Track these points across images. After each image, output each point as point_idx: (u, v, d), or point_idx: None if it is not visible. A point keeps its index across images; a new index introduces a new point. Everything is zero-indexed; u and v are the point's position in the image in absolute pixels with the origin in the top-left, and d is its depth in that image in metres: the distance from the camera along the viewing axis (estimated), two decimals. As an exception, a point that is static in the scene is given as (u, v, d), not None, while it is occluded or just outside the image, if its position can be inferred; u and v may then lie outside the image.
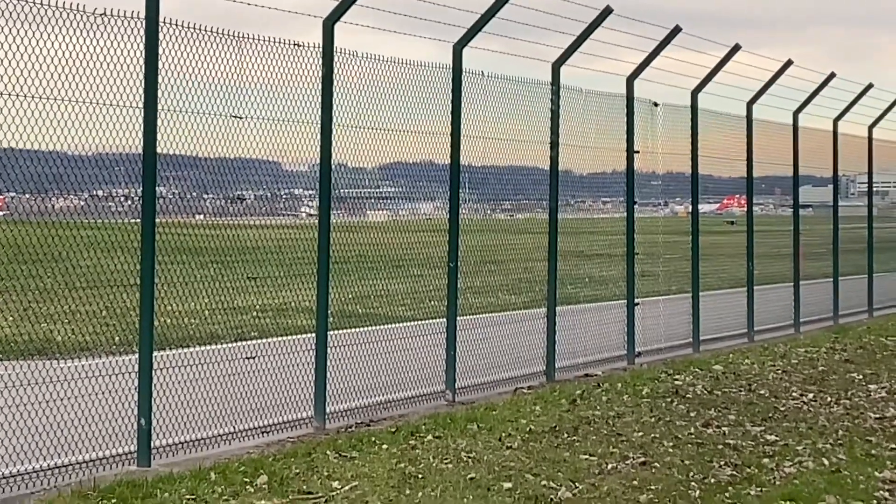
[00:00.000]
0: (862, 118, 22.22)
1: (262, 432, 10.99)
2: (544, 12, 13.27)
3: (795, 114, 19.51)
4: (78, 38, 9.41)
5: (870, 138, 22.85)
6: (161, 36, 9.65)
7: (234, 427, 10.96)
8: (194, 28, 10.25)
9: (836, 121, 21.17)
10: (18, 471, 8.43)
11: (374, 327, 13.49)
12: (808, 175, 21.67)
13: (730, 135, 18.56)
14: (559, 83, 13.96)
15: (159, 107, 9.92)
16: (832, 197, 21.86)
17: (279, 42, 11.11)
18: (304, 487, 8.91)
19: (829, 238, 21.51)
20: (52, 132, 9.55)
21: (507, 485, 9.06)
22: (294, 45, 11.78)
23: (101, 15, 9.42)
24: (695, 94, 16.69)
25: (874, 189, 24.68)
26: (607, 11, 13.68)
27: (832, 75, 19.16)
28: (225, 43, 10.86)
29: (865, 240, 23.11)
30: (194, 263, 11.07)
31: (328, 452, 9.96)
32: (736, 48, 16.44)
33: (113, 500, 7.95)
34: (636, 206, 15.93)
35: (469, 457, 9.99)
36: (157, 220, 9.81)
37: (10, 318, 11.35)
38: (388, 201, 14.54)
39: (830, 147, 21.54)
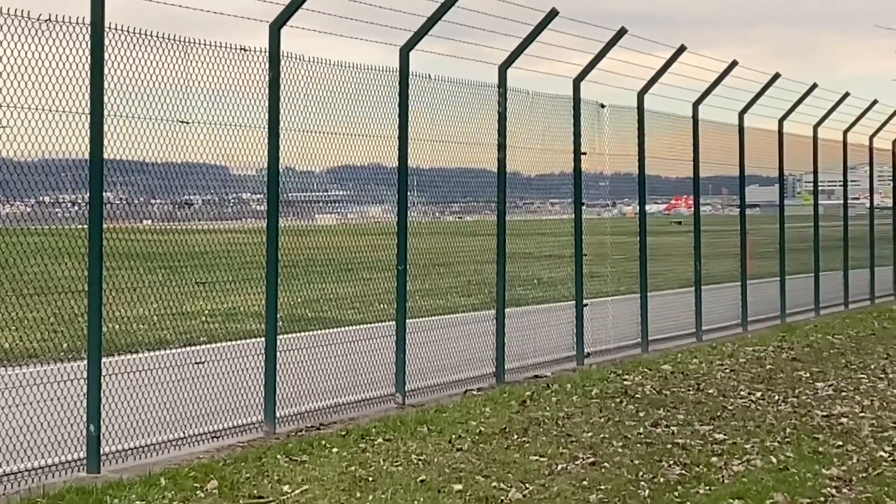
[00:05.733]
0: (807, 118, 22.42)
1: (213, 437, 10.98)
2: (491, 15, 13.25)
3: (741, 114, 19.71)
4: (23, 44, 9.42)
5: (815, 138, 23.01)
6: (106, 41, 9.56)
7: (183, 432, 10.93)
8: (139, 33, 10.16)
9: (781, 121, 21.39)
10: (-34, 479, 8.50)
11: (323, 331, 13.46)
12: (755, 175, 21.86)
13: (676, 135, 18.66)
14: (506, 85, 13.97)
15: (106, 112, 9.85)
16: (778, 196, 22.02)
17: (226, 47, 11.05)
18: (255, 492, 8.92)
19: (776, 237, 21.59)
20: None
21: (458, 486, 9.10)
22: (241, 49, 11.71)
23: (45, 21, 9.34)
24: (641, 95, 16.78)
25: (820, 188, 24.80)
26: (553, 14, 13.75)
27: (777, 76, 19.39)
28: (171, 48, 10.83)
29: (812, 238, 23.15)
30: (142, 269, 11.05)
31: (278, 456, 9.98)
32: (681, 49, 16.56)
33: (63, 507, 8.12)
34: (584, 208, 15.90)
35: (419, 459, 10.03)
36: (105, 226, 9.73)
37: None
38: (337, 205, 14.53)
39: (776, 147, 21.73)
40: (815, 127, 22.89)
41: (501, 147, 13.97)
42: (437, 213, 15.46)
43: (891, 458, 10.54)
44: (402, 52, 12.29)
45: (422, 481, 9.21)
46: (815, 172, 24.11)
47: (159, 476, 9.29)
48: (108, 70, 9.93)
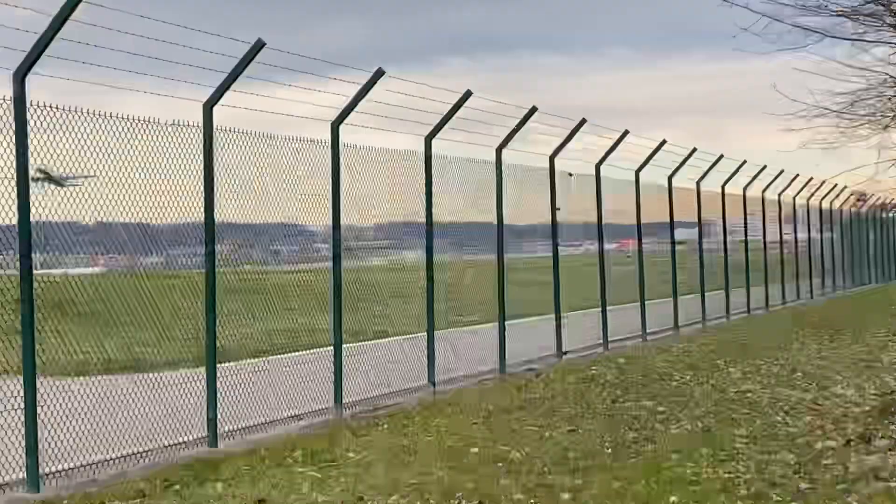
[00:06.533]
0: (717, 179, 22.88)
1: (296, 419, 10.18)
2: (491, 112, 13.29)
3: (670, 178, 20.04)
4: (158, 143, 8.96)
5: (722, 193, 23.39)
6: (215, 140, 9.16)
7: (277, 416, 10.26)
8: (237, 131, 9.48)
9: (698, 182, 21.70)
10: None
11: (368, 342, 12.69)
12: (681, 221, 22.01)
13: (624, 194, 18.85)
14: (501, 162, 14.12)
15: (215, 188, 9.32)
16: (698, 237, 22.30)
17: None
18: (328, 457, 8.60)
19: (696, 265, 21.87)
20: (136, 209, 9.12)
21: (475, 450, 8.93)
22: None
23: (174, 125, 8.83)
24: (598, 166, 17.01)
25: (728, 229, 24.90)
26: (532, 110, 13.89)
27: (694, 150, 19.74)
28: (259, 143, 10.09)
29: (724, 264, 23.61)
30: (245, 299, 10.76)
31: (345, 432, 9.61)
32: (625, 133, 16.86)
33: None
34: (560, 247, 16.05)
35: (447, 431, 9.78)
36: (217, 269, 9.49)
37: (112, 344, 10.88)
38: (379, 251, 13.86)
39: (695, 201, 22.03)
40: (723, 186, 22.92)
41: (499, 205, 13.86)
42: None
43: (783, 422, 10.49)
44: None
45: (449, 447, 9.19)
46: (724, 218, 23.97)
47: (261, 448, 9.07)
48: (219, 162, 9.34)
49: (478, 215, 14.37)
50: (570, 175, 16.34)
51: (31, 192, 7.47)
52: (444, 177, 12.89)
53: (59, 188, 7.90)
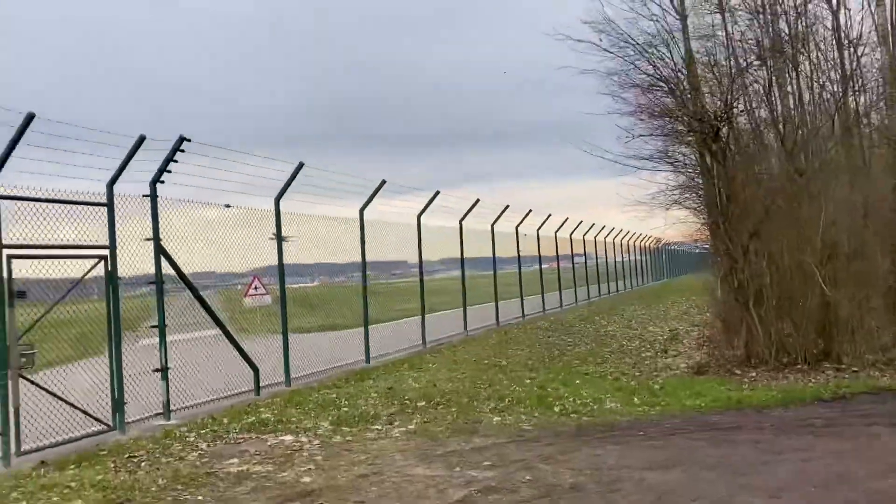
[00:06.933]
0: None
1: (399, 351, 11.57)
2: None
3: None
4: (323, 227, 9.68)
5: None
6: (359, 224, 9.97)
7: (395, 349, 11.64)
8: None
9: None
10: None
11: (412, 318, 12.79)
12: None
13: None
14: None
15: (366, 247, 10.74)
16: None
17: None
18: (418, 365, 9.97)
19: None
20: (330, 256, 10.61)
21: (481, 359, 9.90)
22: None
23: (336, 218, 9.98)
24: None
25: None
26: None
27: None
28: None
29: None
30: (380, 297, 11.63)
31: (426, 356, 11.00)
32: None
33: None
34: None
35: (470, 351, 10.95)
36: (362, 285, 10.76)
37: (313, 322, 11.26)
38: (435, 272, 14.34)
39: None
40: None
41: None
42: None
43: (630, 346, 11.86)
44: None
45: (474, 360, 10.35)
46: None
47: (389, 363, 10.30)
48: (368, 235, 10.89)
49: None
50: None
51: (281, 247, 9.03)
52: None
53: (286, 242, 9.11)
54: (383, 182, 10.58)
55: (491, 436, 5.82)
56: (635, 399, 7.23)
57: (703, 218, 12.12)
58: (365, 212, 10.55)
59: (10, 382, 5.71)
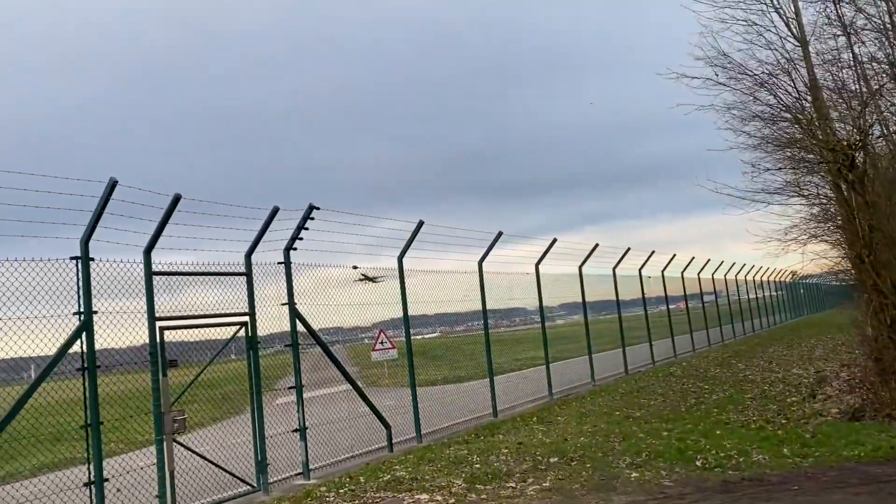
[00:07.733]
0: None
1: (532, 402, 11.27)
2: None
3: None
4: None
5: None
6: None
7: (524, 400, 11.44)
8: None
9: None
10: None
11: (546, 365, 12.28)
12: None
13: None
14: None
15: (486, 297, 10.62)
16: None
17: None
18: (547, 417, 9.89)
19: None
20: (451, 307, 10.55)
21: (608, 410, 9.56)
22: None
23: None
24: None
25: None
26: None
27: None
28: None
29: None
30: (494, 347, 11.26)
31: (554, 407, 10.66)
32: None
33: None
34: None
35: (599, 403, 10.40)
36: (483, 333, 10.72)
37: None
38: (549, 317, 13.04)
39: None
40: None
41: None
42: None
43: (772, 390, 11.21)
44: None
45: (605, 412, 10.18)
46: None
47: (517, 417, 10.27)
48: (487, 286, 10.85)
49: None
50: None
51: (407, 303, 9.05)
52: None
53: (376, 283, 8.78)
54: (500, 234, 10.76)
55: (630, 493, 5.64)
56: (785, 450, 6.83)
57: (844, 250, 11.14)
58: (483, 263, 10.68)
59: (165, 447, 6.08)
